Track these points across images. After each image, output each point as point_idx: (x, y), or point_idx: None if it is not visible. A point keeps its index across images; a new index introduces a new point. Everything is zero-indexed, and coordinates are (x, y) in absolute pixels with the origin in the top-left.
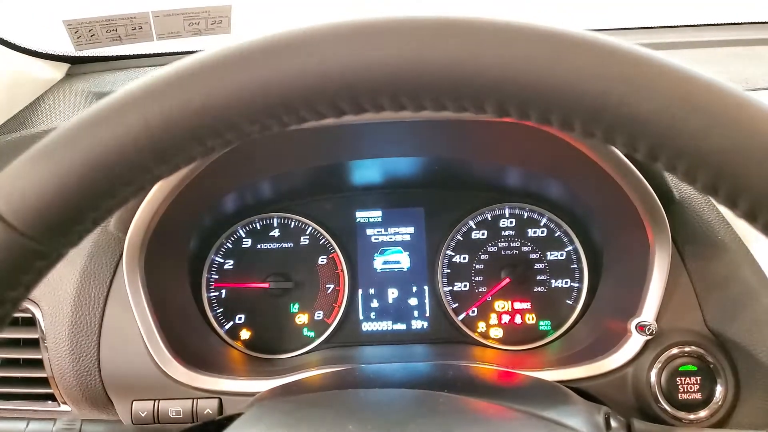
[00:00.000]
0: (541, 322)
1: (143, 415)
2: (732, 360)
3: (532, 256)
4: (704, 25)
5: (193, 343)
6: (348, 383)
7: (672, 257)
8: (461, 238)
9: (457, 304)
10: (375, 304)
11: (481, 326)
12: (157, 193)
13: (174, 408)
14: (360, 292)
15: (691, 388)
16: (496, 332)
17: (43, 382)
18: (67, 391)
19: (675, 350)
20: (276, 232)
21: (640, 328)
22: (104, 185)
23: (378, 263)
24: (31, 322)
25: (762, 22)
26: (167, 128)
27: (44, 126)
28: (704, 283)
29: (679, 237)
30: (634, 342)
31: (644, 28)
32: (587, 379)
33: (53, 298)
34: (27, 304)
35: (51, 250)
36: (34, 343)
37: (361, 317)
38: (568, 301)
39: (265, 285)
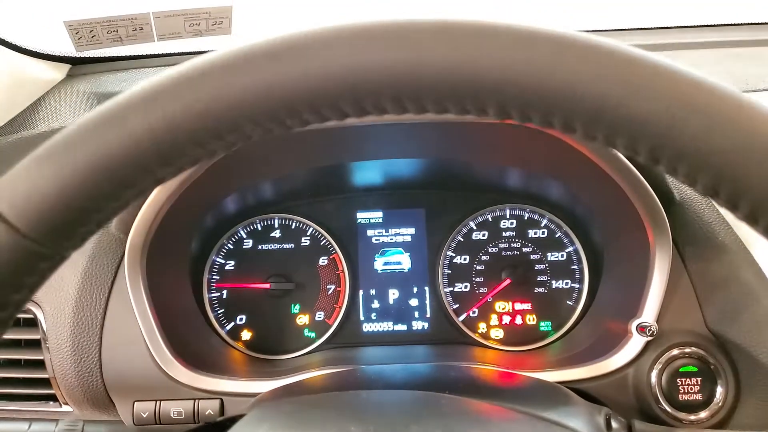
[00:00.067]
0: (542, 323)
1: (145, 416)
2: (732, 361)
3: (533, 257)
4: (704, 26)
5: (194, 343)
6: (349, 384)
7: (672, 258)
8: (462, 239)
9: (457, 305)
10: (376, 304)
11: (482, 327)
12: (158, 194)
13: (175, 409)
14: (361, 292)
15: (691, 389)
16: (497, 333)
17: (45, 382)
18: (69, 392)
19: (675, 351)
20: (277, 233)
21: (641, 329)
22: (108, 188)
23: (379, 264)
24: (32, 323)
25: (762, 23)
26: (170, 131)
27: (45, 127)
28: (705, 284)
29: (679, 238)
30: (635, 343)
31: (644, 29)
32: (588, 380)
33: (55, 299)
34: (29, 306)
35: (54, 252)
36: (35, 344)
37: (361, 318)
38: (568, 302)
39: (266, 286)
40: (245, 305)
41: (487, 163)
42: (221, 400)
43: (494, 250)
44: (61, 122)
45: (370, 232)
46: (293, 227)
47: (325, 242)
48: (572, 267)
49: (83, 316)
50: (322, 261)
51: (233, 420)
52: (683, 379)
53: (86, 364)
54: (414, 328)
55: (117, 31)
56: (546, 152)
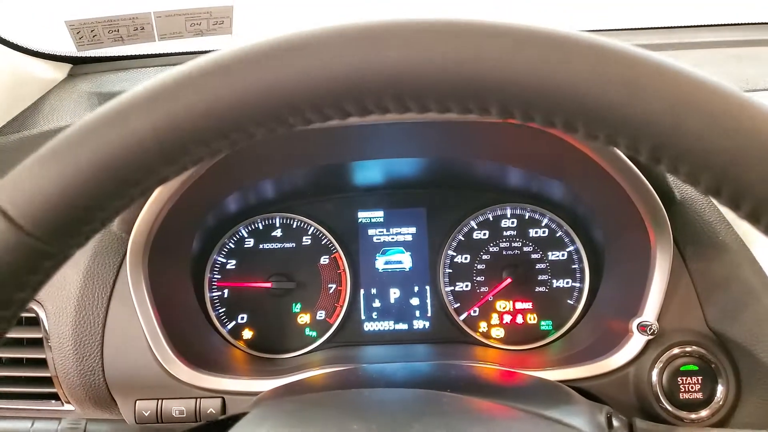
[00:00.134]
0: (543, 322)
1: (146, 415)
2: (733, 360)
3: (534, 256)
4: (704, 25)
5: (195, 342)
6: (351, 383)
7: (673, 257)
8: (463, 238)
9: (458, 304)
10: (377, 304)
11: (483, 326)
12: (160, 193)
13: (177, 407)
14: (362, 292)
15: (692, 387)
16: (498, 332)
17: (47, 381)
18: (71, 391)
19: (676, 350)
20: (278, 232)
21: (642, 328)
22: (111, 186)
23: (380, 263)
24: (35, 322)
25: (762, 23)
26: (174, 130)
27: (46, 126)
28: (705, 283)
29: (680, 237)
30: (636, 342)
31: (644, 28)
32: (589, 379)
33: (57, 298)
34: (31, 304)
35: (58, 250)
36: (38, 343)
37: (363, 317)
38: (569, 301)
39: (268, 285)
40: (247, 304)
41: (488, 162)
42: (223, 398)
43: (495, 249)
44: (63, 122)
45: (371, 232)
46: (294, 226)
47: (327, 241)
48: (573, 266)
49: (85, 315)
50: (324, 260)
51: (235, 419)
52: (684, 378)
53: (88, 362)
54: (415, 327)
55: (118, 31)
56: (547, 151)
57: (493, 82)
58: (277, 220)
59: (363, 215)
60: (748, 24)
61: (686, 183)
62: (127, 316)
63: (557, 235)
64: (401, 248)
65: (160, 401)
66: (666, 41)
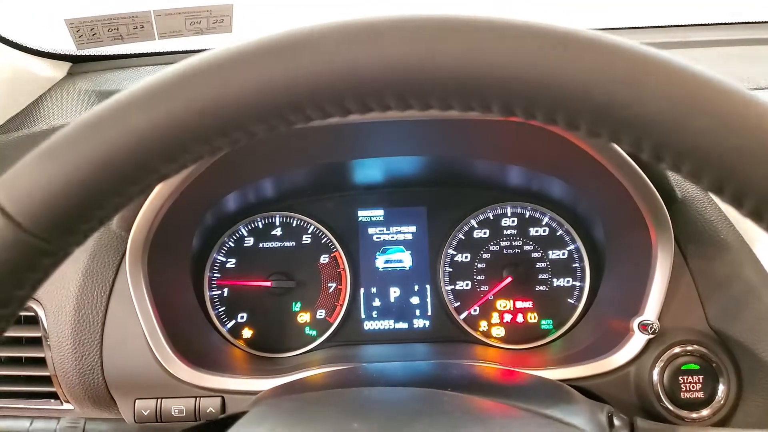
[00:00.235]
0: (543, 321)
1: (146, 414)
2: (734, 359)
3: (534, 255)
4: (705, 24)
5: (195, 341)
6: (351, 382)
7: (674, 256)
8: (463, 237)
9: (459, 303)
10: (377, 303)
11: (483, 325)
12: (159, 191)
13: (177, 406)
14: (362, 291)
15: (693, 386)
16: (498, 331)
17: (46, 380)
18: (70, 390)
19: (677, 349)
20: (278, 231)
21: (643, 327)
22: (111, 184)
23: (380, 262)
24: (33, 321)
25: (763, 22)
26: (173, 128)
27: (46, 125)
28: (707, 282)
29: (681, 236)
30: (637, 341)
31: (644, 27)
32: (589, 378)
33: (56, 297)
34: (30, 303)
35: (57, 248)
36: (36, 342)
37: (363, 316)
38: (570, 300)
39: (267, 284)
40: (246, 303)
41: (488, 160)
42: (222, 397)
43: (495, 248)
44: (62, 120)
45: (371, 230)
46: (294, 225)
47: (327, 240)
48: (573, 265)
49: (84, 314)
50: (324, 259)
51: (234, 418)
52: (685, 377)
53: (87, 361)
54: (415, 326)
55: (118, 29)
56: (547, 150)
57: (494, 79)
58: (277, 219)
59: (363, 214)
60: (749, 23)
61: (688, 180)
62: (126, 315)
63: (558, 233)
64: (401, 247)
65: (159, 400)
66: (666, 40)
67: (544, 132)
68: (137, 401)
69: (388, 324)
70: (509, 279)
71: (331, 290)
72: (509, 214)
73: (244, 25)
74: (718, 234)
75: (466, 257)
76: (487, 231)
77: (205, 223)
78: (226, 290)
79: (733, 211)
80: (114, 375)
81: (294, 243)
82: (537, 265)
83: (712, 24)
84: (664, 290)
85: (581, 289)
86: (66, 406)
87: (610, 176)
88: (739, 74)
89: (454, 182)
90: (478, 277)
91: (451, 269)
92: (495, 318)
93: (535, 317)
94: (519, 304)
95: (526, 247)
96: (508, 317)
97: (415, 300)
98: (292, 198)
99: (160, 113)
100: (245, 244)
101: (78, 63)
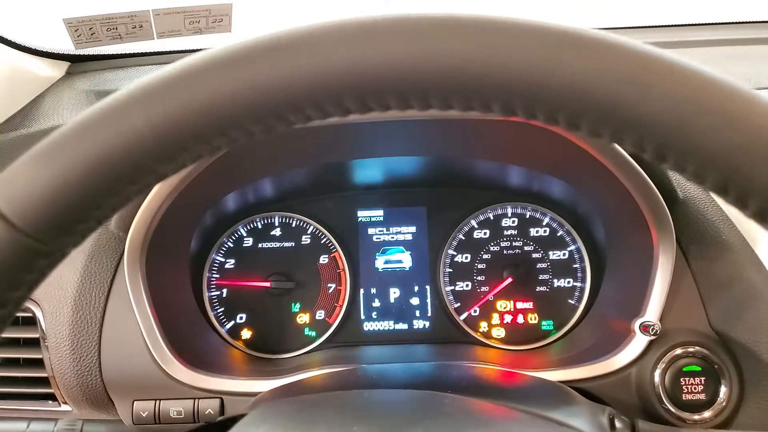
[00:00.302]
0: (544, 322)
1: (144, 416)
2: (736, 360)
3: (535, 255)
4: (705, 24)
5: (194, 342)
6: (351, 384)
7: (676, 257)
8: (463, 238)
9: (459, 304)
10: (377, 303)
11: (483, 326)
12: (158, 191)
13: (175, 408)
14: (361, 291)
15: (695, 388)
16: (499, 332)
17: (44, 381)
18: (68, 391)
19: (679, 350)
20: (277, 231)
21: (644, 328)
22: (108, 184)
23: (380, 263)
24: (31, 322)
25: (764, 21)
26: (171, 127)
27: (44, 124)
28: (708, 283)
29: (683, 237)
30: (638, 342)
31: (644, 27)
32: (590, 380)
33: (54, 298)
34: (28, 304)
35: (54, 249)
36: (34, 343)
37: (362, 317)
38: (570, 301)
39: (267, 284)
40: (245, 304)
41: (488, 160)
42: (221, 399)
43: (496, 248)
44: (60, 120)
45: (371, 231)
46: (294, 225)
47: (326, 241)
48: (574, 266)
49: (82, 315)
50: (323, 259)
51: (233, 420)
52: (687, 379)
53: (85, 362)
54: (415, 327)
55: (116, 29)
56: (548, 150)
57: (495, 78)
58: (276, 219)
59: (363, 214)
60: (750, 22)
61: (692, 181)
62: (124, 316)
63: (558, 234)
64: (401, 247)
65: (157, 402)
66: (667, 40)
67: (544, 132)
68: (135, 402)
69: (387, 325)
70: (509, 280)
71: (330, 291)
72: (509, 215)
73: (244, 25)
74: (719, 235)
75: (467, 258)
76: (488, 231)
77: (204, 223)
78: (225, 291)
79: (735, 211)
80: (112, 376)
81: (293, 243)
82: (537, 266)
83: (713, 24)
84: (665, 291)
85: (582, 289)
86: (64, 407)
87: (611, 176)
88: (741, 74)
89: (454, 182)
90: (479, 278)
91: (451, 270)
92: (495, 319)
93: (535, 318)
94: (519, 305)
95: (526, 248)
96: (508, 318)
97: (415, 301)
98: (291, 198)
99: (157, 112)
100: (244, 245)
101: (76, 62)
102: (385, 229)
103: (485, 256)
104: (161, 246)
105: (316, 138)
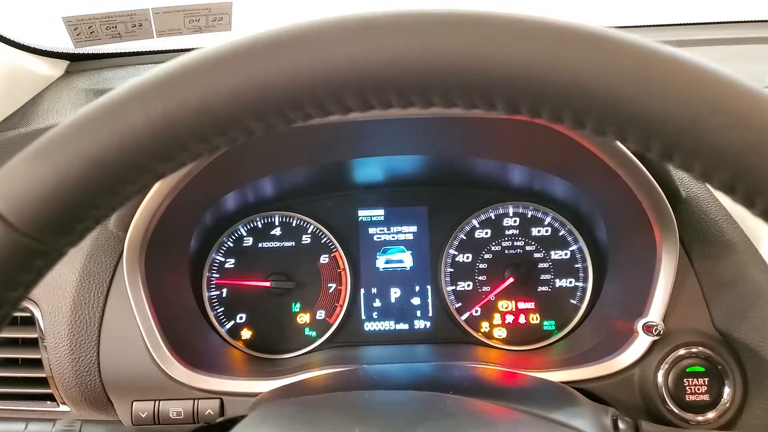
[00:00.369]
0: (546, 322)
1: (143, 416)
2: (740, 361)
3: (536, 255)
4: (711, 23)
5: (193, 342)
6: (351, 384)
7: (679, 257)
8: (464, 237)
9: (460, 304)
10: (377, 303)
11: (485, 326)
12: (157, 191)
13: (174, 408)
14: (362, 291)
15: (698, 389)
16: (500, 332)
17: (43, 382)
18: (67, 392)
19: (682, 351)
20: (277, 231)
21: (647, 328)
22: (105, 183)
23: (380, 262)
24: (30, 322)
25: (765, 21)
26: (170, 125)
27: (43, 123)
28: (712, 283)
29: (686, 236)
30: (641, 342)
31: (648, 26)
32: (593, 380)
33: (52, 298)
34: (26, 304)
35: (51, 248)
36: (33, 343)
37: (363, 317)
38: (572, 301)
39: (267, 284)
40: (245, 304)
41: (489, 159)
42: (221, 399)
43: (497, 248)
44: (59, 119)
45: (371, 230)
46: (294, 225)
47: (326, 240)
48: (576, 265)
49: (81, 315)
50: (323, 259)
51: (234, 421)
52: (690, 380)
53: (84, 363)
54: (416, 327)
55: (116, 27)
56: (550, 148)
57: (499, 76)
58: (277, 219)
59: (363, 214)
60: (755, 21)
61: (699, 180)
62: (123, 316)
63: (560, 234)
64: (402, 247)
65: (157, 402)
66: (671, 38)
67: (546, 130)
68: (135, 403)
69: (388, 325)
70: (511, 279)
71: (331, 291)
72: (511, 214)
73: (244, 23)
74: (723, 234)
75: (468, 257)
76: (489, 231)
77: (203, 222)
78: (224, 291)
79: (739, 210)
80: (111, 376)
81: (293, 243)
82: (539, 266)
83: (717, 22)
84: (668, 291)
85: (584, 289)
86: (62, 408)
87: (614, 175)
88: (745, 73)
89: (455, 181)
90: (480, 278)
91: (452, 269)
92: (497, 319)
93: (537, 318)
94: (521, 305)
95: (528, 248)
96: (510, 318)
97: (416, 301)
98: (291, 197)
99: (156, 110)
100: (244, 244)
101: (76, 61)
102: (385, 229)
103: (487, 256)
104: (161, 245)
105: (317, 137)
